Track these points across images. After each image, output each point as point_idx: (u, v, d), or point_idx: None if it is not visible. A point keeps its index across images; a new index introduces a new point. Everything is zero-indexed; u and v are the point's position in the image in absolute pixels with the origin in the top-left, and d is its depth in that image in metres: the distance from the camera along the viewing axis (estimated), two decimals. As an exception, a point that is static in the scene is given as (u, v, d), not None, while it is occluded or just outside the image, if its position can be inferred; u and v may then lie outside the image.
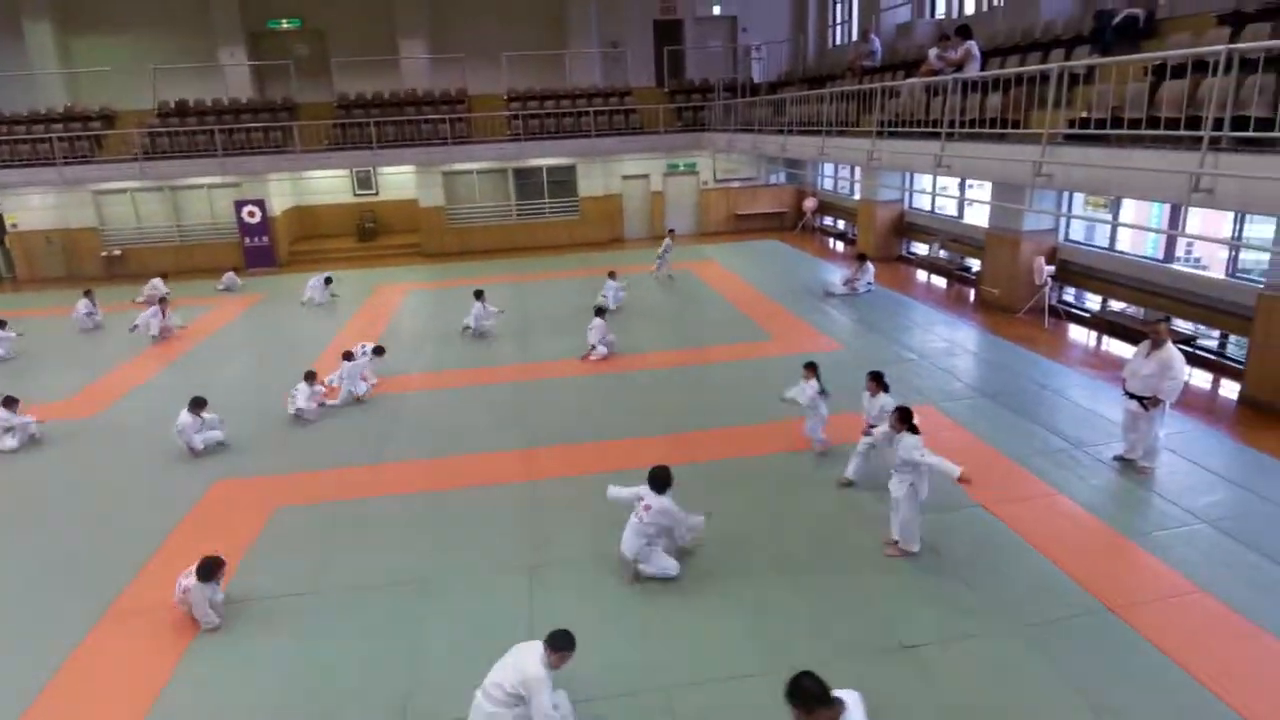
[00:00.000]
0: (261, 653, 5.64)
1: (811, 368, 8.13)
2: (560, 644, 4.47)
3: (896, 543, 6.41)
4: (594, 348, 11.67)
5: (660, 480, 6.15)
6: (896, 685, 5.05)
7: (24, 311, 15.95)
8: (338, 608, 6.08)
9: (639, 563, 6.17)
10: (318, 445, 9.14)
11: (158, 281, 16.33)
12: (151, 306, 14.01)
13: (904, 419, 6.26)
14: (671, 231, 18.04)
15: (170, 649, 5.67)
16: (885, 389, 7.50)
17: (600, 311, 12.19)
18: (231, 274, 18.44)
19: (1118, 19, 9.40)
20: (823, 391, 8.02)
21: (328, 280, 16.42)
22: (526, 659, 4.45)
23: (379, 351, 11.14)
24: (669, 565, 6.19)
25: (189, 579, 5.82)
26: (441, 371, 11.68)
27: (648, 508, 6.11)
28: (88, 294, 15.11)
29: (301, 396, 9.72)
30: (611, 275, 14.81)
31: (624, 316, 14.15)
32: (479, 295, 13.30)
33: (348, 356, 10.29)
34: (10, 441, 9.23)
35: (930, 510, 6.98)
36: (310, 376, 9.96)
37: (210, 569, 5.81)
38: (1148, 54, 8.00)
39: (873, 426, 7.28)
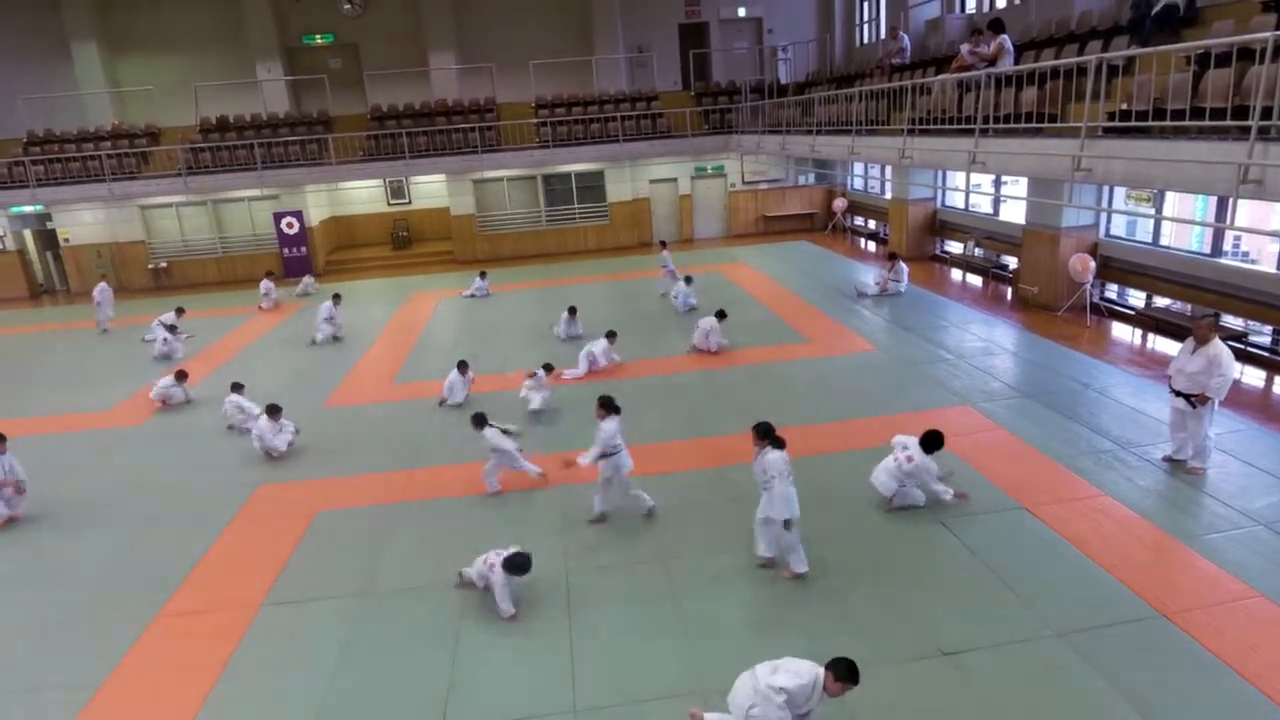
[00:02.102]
0: (307, 652, 5.74)
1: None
2: (846, 675, 4.09)
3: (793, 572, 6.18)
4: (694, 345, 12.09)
5: (932, 442, 6.80)
6: (936, 693, 4.96)
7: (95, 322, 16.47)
8: (377, 610, 6.18)
9: (893, 498, 6.98)
10: (355, 451, 9.28)
11: (269, 284, 17.40)
12: (325, 306, 14.39)
13: (607, 404, 6.98)
14: (663, 243, 18.05)
15: (221, 647, 5.81)
16: (613, 411, 6.99)
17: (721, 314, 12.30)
18: (309, 278, 19.09)
19: (1157, 8, 9.15)
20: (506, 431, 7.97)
21: (482, 274, 17.55)
22: (802, 665, 4.18)
23: (611, 336, 11.67)
24: (918, 497, 6.97)
25: (498, 559, 5.97)
26: (478, 377, 11.79)
27: (910, 459, 6.82)
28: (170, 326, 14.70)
29: (535, 396, 9.96)
30: (688, 280, 14.85)
31: (658, 320, 14.18)
32: (572, 311, 13.50)
33: (537, 375, 10.22)
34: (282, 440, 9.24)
35: (971, 513, 6.89)
36: (549, 368, 10.28)
37: (522, 566, 5.94)
38: (1190, 43, 7.78)
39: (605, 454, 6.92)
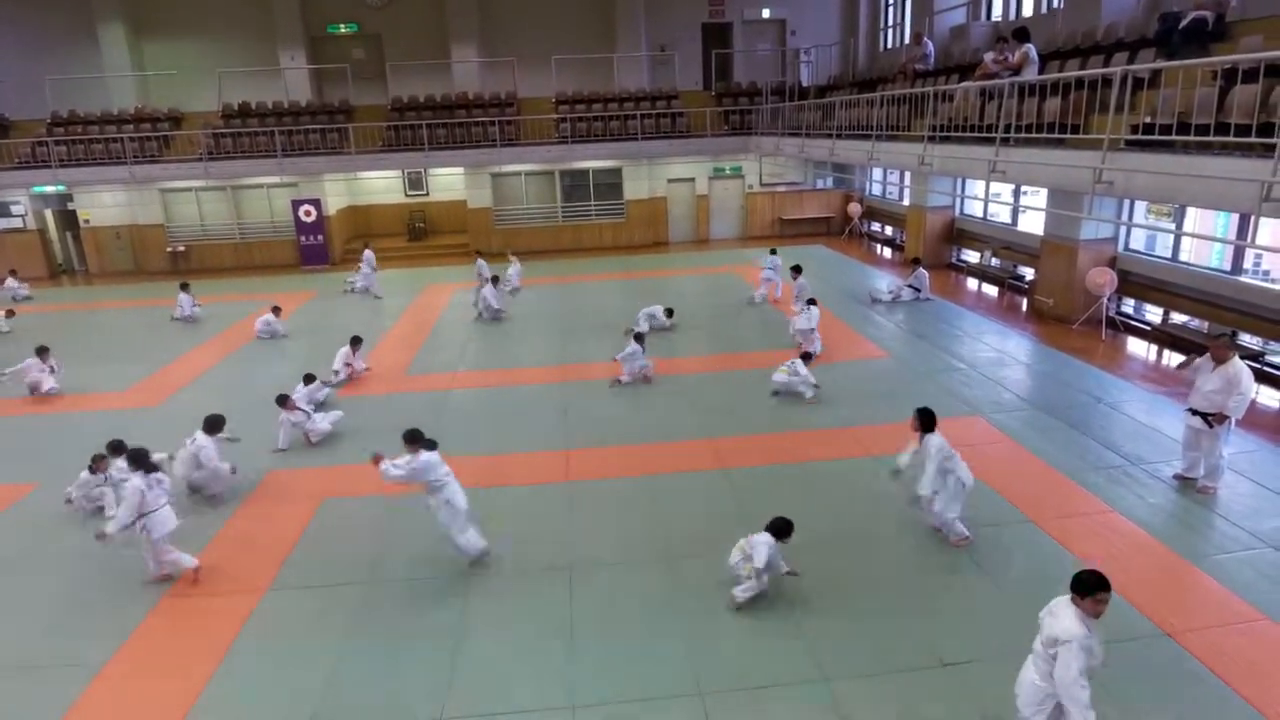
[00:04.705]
0: (309, 639, 5.79)
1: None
2: (1089, 587, 3.98)
3: None
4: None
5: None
6: (937, 704, 4.94)
7: (114, 303, 16.61)
8: (381, 599, 6.23)
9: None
10: (365, 440, 9.30)
11: (370, 256, 17.79)
12: (485, 284, 14.81)
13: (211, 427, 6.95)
14: (479, 252, 17.93)
15: (226, 631, 5.87)
16: (143, 467, 6.44)
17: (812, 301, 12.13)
18: (368, 254, 18.76)
19: (1185, 21, 9.05)
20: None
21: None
22: (1060, 616, 4.07)
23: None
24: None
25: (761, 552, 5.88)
26: (488, 370, 11.86)
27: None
28: (185, 287, 15.76)
29: (806, 389, 10.05)
30: (773, 252, 15.05)
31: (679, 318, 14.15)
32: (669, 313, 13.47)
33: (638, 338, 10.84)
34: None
35: (977, 525, 6.85)
36: (807, 357, 10.28)
37: (784, 528, 5.93)
38: (1218, 58, 7.69)
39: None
